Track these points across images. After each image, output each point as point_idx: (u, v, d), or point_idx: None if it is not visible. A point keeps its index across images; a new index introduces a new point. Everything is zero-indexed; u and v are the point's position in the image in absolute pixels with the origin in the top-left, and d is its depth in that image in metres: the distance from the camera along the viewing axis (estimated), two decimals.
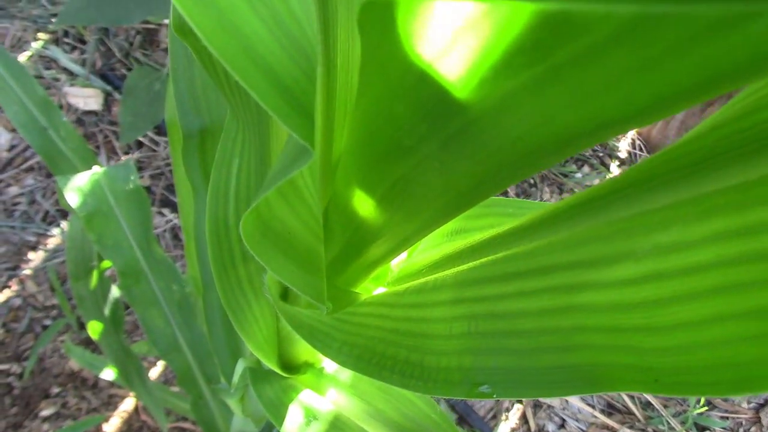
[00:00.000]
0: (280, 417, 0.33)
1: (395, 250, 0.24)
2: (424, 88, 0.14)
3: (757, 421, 1.20)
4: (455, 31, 0.12)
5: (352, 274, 0.25)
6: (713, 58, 0.10)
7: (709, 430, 1.16)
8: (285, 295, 0.30)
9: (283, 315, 0.25)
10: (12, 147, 1.21)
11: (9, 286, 1.07)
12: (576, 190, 1.37)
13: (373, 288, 0.28)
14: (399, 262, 0.28)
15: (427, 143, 0.16)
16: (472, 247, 0.22)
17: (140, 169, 1.22)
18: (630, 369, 0.18)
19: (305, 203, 0.21)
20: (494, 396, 0.20)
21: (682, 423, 1.14)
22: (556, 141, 0.14)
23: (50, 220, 1.15)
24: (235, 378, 0.39)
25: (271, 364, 0.33)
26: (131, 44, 1.32)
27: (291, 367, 0.37)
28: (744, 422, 1.18)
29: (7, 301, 1.05)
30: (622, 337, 0.18)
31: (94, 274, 0.75)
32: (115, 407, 0.99)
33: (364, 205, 0.20)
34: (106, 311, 0.73)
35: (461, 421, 1.10)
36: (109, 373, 0.79)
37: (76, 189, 0.59)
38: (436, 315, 0.23)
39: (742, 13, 0.08)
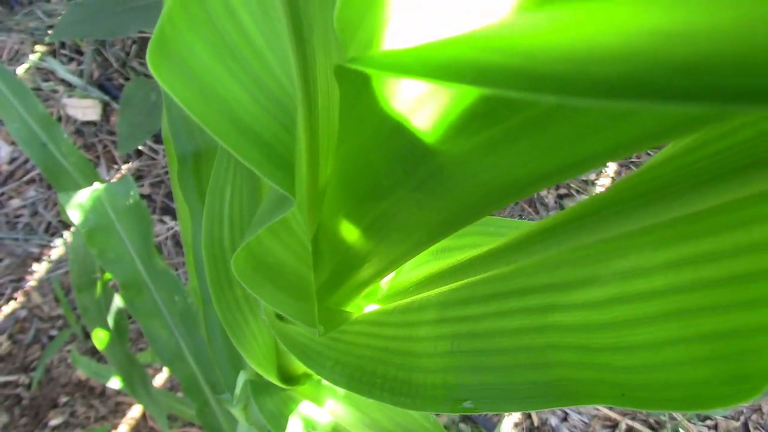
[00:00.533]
0: (281, 428, 0.34)
1: (383, 272, 0.25)
2: (397, 140, 0.15)
3: (758, 408, 1.21)
4: (419, 96, 0.13)
5: (342, 295, 0.26)
6: (642, 124, 0.11)
7: (710, 418, 1.18)
8: (280, 314, 0.31)
9: (278, 335, 0.26)
10: (12, 160, 1.22)
11: (14, 298, 1.08)
12: (572, 185, 1.38)
13: (364, 305, 0.29)
14: (388, 279, 0.30)
15: (403, 185, 0.17)
16: (453, 269, 0.24)
17: (140, 177, 1.23)
18: (600, 384, 0.19)
19: (294, 235, 0.22)
20: (477, 411, 0.21)
21: (684, 413, 1.16)
22: (520, 185, 0.16)
23: (53, 231, 1.16)
24: (237, 390, 0.41)
25: (270, 377, 0.35)
26: (128, 54, 1.33)
27: (290, 378, 0.38)
28: (745, 410, 1.20)
29: (13, 313, 1.07)
30: (592, 355, 0.19)
31: (98, 285, 0.76)
32: (123, 415, 1.00)
33: (350, 234, 0.22)
34: (110, 321, 0.75)
35: (465, 417, 1.12)
36: (115, 382, 0.81)
37: (77, 206, 0.60)
38: (422, 334, 0.24)
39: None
